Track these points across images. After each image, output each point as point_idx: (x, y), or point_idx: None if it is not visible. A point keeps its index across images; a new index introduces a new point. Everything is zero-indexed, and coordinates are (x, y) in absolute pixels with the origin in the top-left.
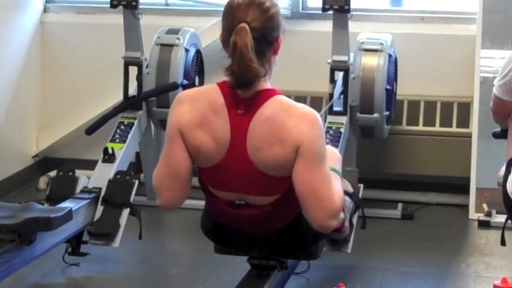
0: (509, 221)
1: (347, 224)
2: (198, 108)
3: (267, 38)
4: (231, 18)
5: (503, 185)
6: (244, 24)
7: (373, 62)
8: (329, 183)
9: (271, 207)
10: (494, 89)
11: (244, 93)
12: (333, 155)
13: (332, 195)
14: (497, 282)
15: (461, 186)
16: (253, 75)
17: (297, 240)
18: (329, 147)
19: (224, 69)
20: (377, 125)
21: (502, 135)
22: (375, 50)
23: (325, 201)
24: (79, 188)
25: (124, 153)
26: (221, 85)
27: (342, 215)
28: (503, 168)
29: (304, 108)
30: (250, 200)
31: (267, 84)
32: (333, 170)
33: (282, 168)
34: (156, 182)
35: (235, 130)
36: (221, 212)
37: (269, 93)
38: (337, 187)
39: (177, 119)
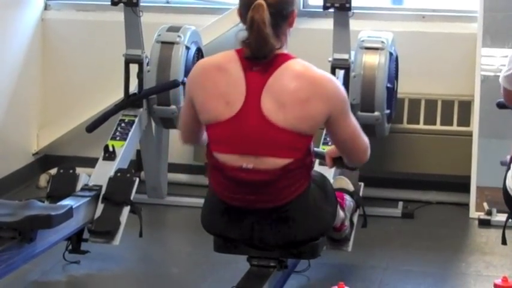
0: (510, 220)
1: (347, 223)
2: (208, 74)
3: (282, 12)
4: None
5: (504, 181)
6: (261, 1)
7: (374, 60)
8: (359, 127)
9: (282, 172)
10: (500, 79)
11: None
12: None
13: (363, 135)
14: (498, 281)
15: (462, 185)
16: (269, 49)
17: (299, 225)
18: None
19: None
20: (378, 123)
21: (505, 105)
22: (376, 48)
23: (362, 142)
24: (79, 185)
25: (124, 151)
26: (238, 50)
27: (342, 214)
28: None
29: (322, 71)
30: (259, 162)
31: (282, 51)
32: None
33: (306, 123)
34: (179, 125)
35: (251, 87)
36: (226, 182)
37: (287, 57)
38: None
39: (188, 85)
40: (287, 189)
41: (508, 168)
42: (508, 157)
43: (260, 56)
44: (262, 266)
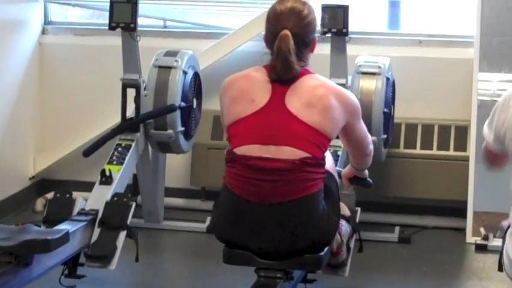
0: None
1: (344, 248)
2: (235, 82)
3: (305, 40)
4: (274, 24)
5: (500, 254)
6: (286, 31)
7: (371, 85)
8: (365, 127)
9: (299, 163)
10: (487, 144)
11: None
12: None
13: (367, 132)
14: None
15: (459, 210)
16: (293, 74)
17: (307, 228)
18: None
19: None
20: (374, 148)
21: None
22: (373, 73)
23: (368, 138)
24: (76, 210)
25: (121, 175)
26: (265, 66)
27: (338, 238)
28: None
29: (338, 85)
30: (279, 151)
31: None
32: None
33: (329, 125)
34: None
35: (276, 89)
36: (246, 173)
37: (307, 71)
38: None
39: (219, 96)
40: (302, 184)
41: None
42: (504, 223)
43: (286, 79)
44: (270, 277)
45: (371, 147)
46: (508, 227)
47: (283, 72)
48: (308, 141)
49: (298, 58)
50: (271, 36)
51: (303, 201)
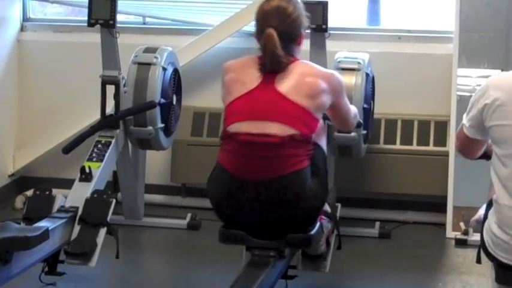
0: None
1: (323, 240)
2: (232, 67)
3: (291, 36)
4: (261, 23)
5: (481, 231)
6: (271, 30)
7: (351, 81)
8: (348, 101)
9: (289, 139)
10: (466, 130)
11: None
12: None
13: (351, 106)
14: None
15: (439, 205)
16: (282, 66)
17: (295, 201)
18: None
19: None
20: (354, 144)
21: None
22: (352, 69)
23: (352, 112)
24: (56, 207)
25: (101, 172)
26: (259, 57)
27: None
28: (481, 211)
29: (323, 68)
30: (269, 127)
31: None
32: None
33: (316, 108)
34: None
35: (266, 75)
36: (238, 149)
37: (295, 59)
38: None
39: (222, 80)
40: (290, 160)
41: (486, 218)
42: (480, 212)
43: (276, 71)
44: (263, 255)
45: (354, 110)
46: (489, 205)
47: (272, 66)
48: (297, 119)
49: (285, 52)
50: (259, 34)
51: (291, 177)
